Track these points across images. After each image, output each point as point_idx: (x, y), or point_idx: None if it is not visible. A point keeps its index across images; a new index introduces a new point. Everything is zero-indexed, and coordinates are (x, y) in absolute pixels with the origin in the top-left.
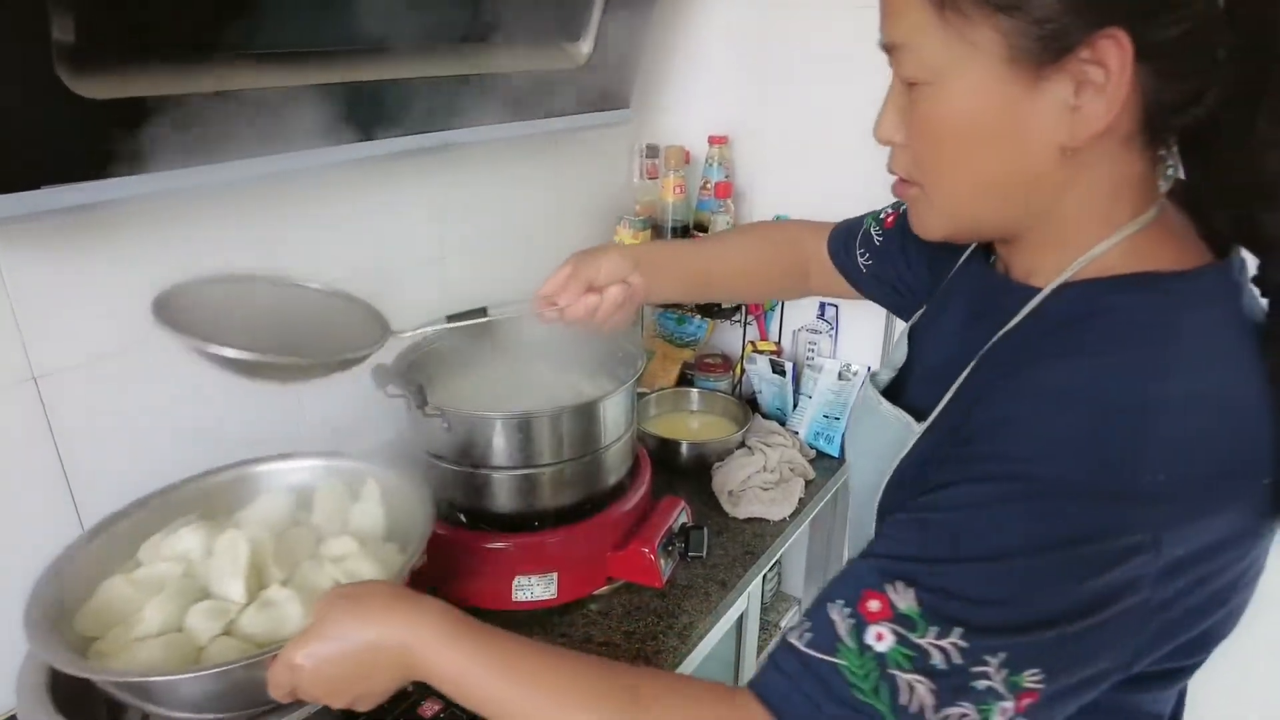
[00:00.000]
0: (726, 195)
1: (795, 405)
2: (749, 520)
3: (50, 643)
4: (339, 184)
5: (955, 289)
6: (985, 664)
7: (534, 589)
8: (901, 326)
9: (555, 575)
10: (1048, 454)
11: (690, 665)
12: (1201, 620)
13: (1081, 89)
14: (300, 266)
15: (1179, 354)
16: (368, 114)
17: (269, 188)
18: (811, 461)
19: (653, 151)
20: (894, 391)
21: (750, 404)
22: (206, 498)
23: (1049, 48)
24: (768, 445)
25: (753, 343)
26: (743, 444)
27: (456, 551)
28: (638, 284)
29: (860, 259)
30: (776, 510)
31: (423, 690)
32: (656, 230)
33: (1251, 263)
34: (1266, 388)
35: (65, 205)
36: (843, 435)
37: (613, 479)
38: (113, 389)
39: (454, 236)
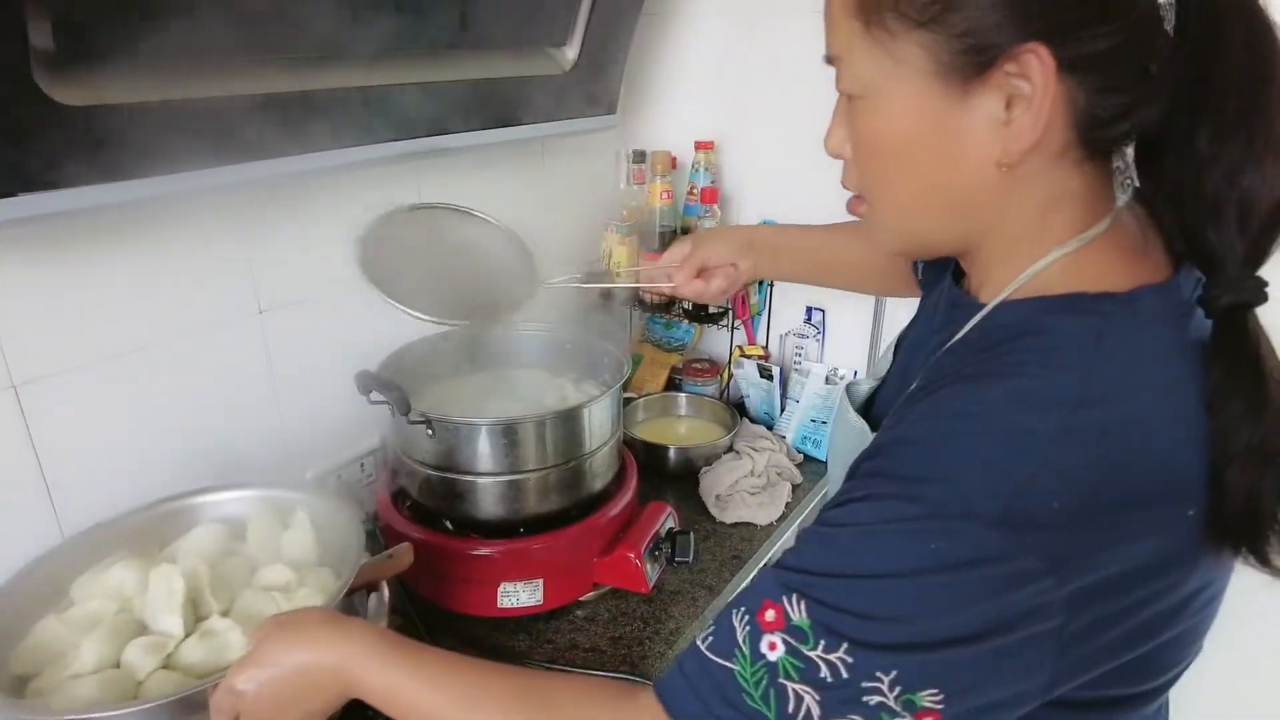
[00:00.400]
0: (713, 200)
1: (783, 409)
2: (736, 525)
3: None
4: (323, 190)
5: (935, 301)
6: (876, 680)
7: (519, 595)
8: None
9: (541, 582)
10: (943, 476)
11: None
12: (1131, 648)
13: (1012, 103)
14: (283, 274)
15: (1100, 379)
16: (352, 120)
17: (252, 194)
18: (799, 465)
19: (639, 157)
20: (874, 400)
21: (738, 408)
22: (138, 533)
23: (971, 62)
24: (755, 449)
25: (740, 347)
26: (730, 448)
27: (441, 558)
28: (745, 268)
29: (918, 264)
30: (764, 514)
31: None
32: (643, 236)
33: None
34: (1199, 414)
35: (43, 212)
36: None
37: (599, 484)
38: (95, 397)
39: None
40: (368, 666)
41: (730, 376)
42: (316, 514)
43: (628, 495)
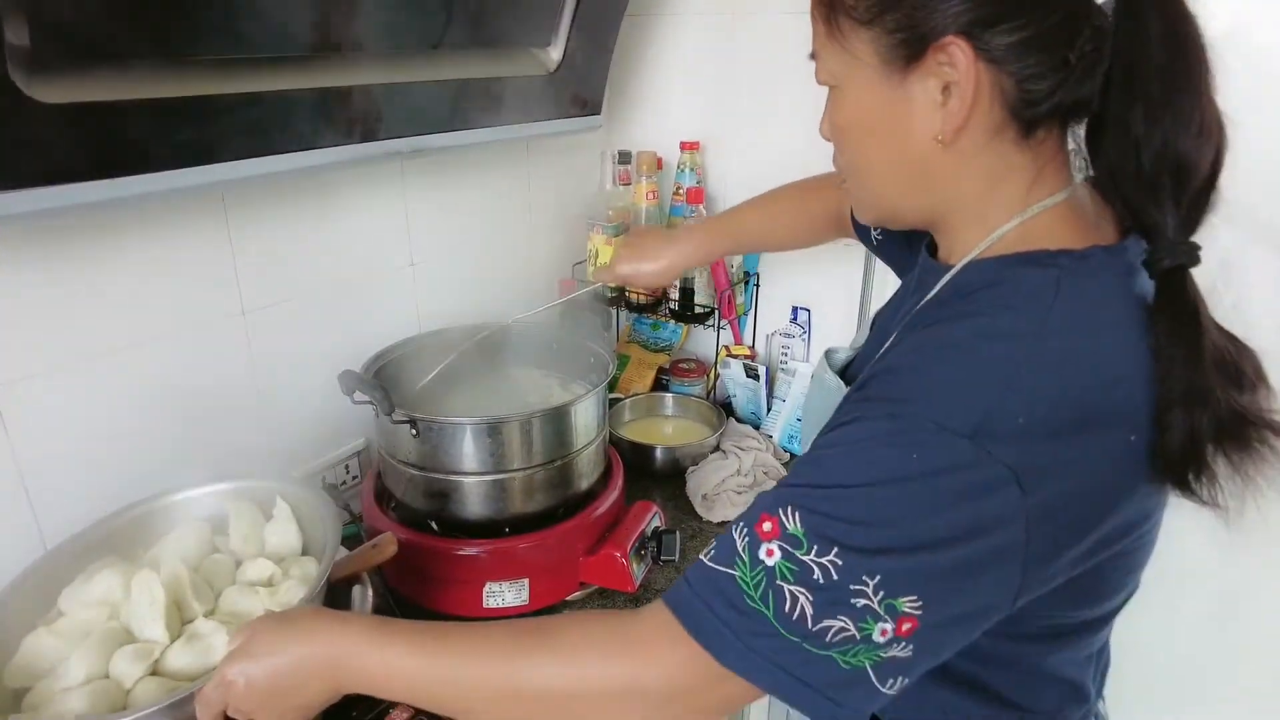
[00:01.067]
0: (699, 201)
1: (769, 409)
2: (723, 524)
3: None
4: (306, 190)
5: (911, 277)
6: (862, 583)
7: (505, 595)
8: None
9: (526, 582)
10: (921, 396)
11: None
12: (1079, 563)
13: (948, 88)
14: (266, 275)
15: (1057, 317)
16: (336, 119)
17: (234, 193)
18: (785, 465)
19: (625, 157)
20: (850, 369)
21: (724, 408)
22: (120, 537)
23: (906, 52)
24: (741, 449)
25: (727, 347)
26: (717, 448)
27: (427, 559)
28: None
29: (874, 233)
30: None
31: None
32: None
33: None
34: (1140, 353)
35: (19, 212)
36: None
37: (584, 484)
38: (75, 399)
39: (424, 243)
40: (364, 652)
41: (717, 376)
42: (296, 501)
43: (614, 495)
